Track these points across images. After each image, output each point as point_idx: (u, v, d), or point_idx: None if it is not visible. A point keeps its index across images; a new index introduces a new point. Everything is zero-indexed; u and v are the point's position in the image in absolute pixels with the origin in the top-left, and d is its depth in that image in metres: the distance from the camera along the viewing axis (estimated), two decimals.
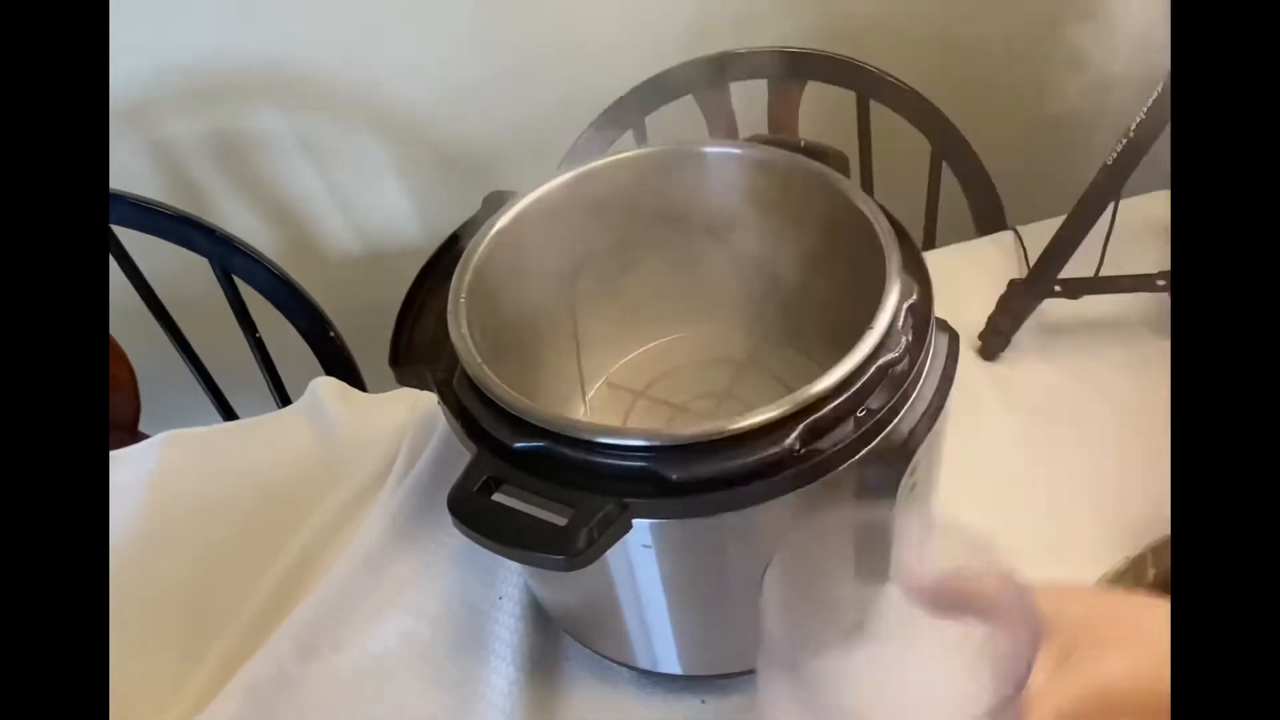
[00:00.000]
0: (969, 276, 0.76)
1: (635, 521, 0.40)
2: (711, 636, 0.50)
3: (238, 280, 0.88)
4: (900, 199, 0.98)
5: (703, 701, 0.54)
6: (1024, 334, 0.75)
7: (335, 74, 1.06)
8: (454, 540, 0.64)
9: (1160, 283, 0.72)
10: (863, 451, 0.41)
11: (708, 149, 0.56)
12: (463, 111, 1.09)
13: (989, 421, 0.69)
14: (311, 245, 1.19)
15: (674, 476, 0.39)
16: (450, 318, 0.45)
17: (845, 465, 0.41)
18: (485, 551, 0.61)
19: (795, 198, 0.54)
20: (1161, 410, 0.66)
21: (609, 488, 0.39)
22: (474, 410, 0.42)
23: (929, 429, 0.43)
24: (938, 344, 0.46)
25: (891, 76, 0.91)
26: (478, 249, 0.50)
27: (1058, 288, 0.71)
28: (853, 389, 0.41)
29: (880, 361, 0.42)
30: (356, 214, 1.18)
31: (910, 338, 0.44)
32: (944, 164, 0.92)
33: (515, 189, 0.54)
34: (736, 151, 0.55)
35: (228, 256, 0.87)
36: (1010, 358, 0.74)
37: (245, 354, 0.92)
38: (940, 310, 0.76)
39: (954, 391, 0.70)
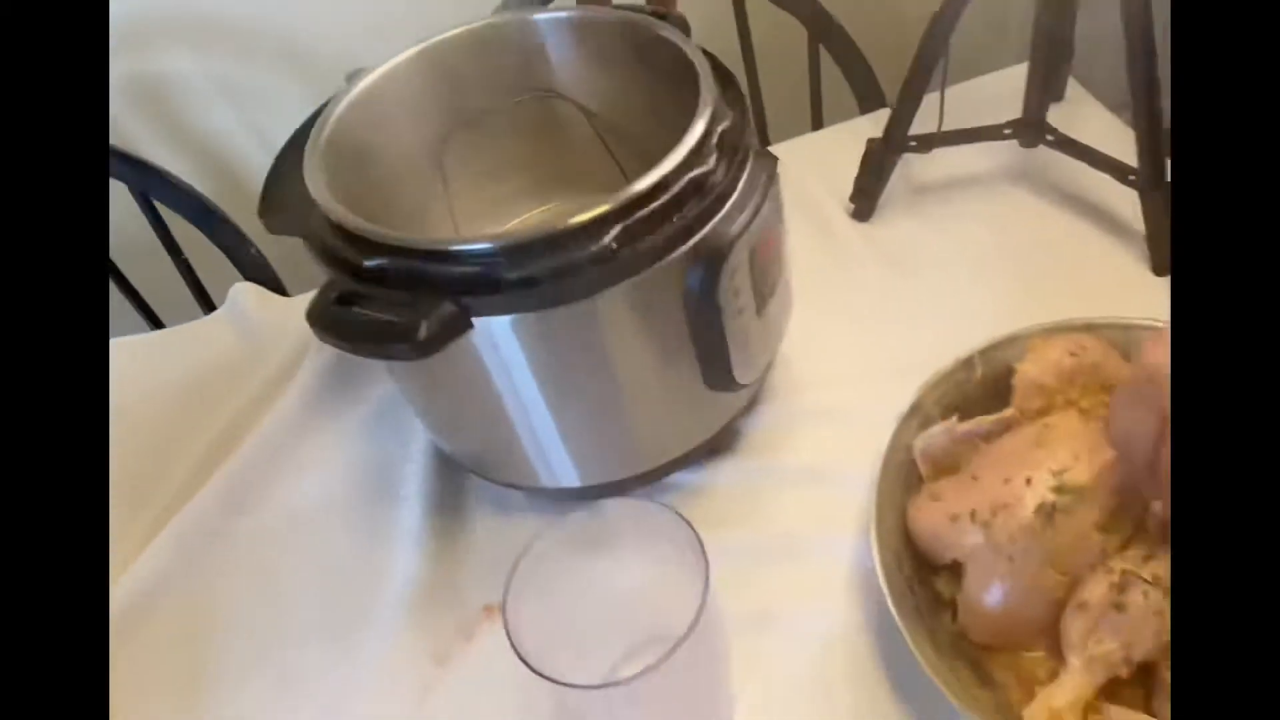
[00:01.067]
0: (848, 151, 0.81)
1: (480, 322, 0.45)
2: (594, 439, 0.55)
3: (159, 206, 0.92)
4: (786, 85, 1.03)
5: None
6: (897, 196, 0.80)
7: (248, 14, 1.10)
8: (366, 408, 0.70)
9: (1007, 131, 0.78)
10: (676, 252, 0.47)
11: (545, 16, 0.60)
12: (376, 47, 1.13)
13: (861, 275, 0.75)
14: (238, 185, 1.22)
15: (505, 276, 0.44)
16: (306, 166, 0.50)
17: (661, 263, 0.47)
18: (394, 417, 0.68)
19: (635, 56, 0.59)
20: (1011, 251, 0.73)
21: (448, 290, 0.44)
22: (330, 241, 0.47)
23: (740, 233, 0.48)
24: (755, 167, 0.52)
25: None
26: (335, 110, 0.55)
27: (912, 143, 0.77)
28: (665, 196, 0.46)
29: (692, 174, 0.48)
30: (273, 147, 1.21)
31: (722, 156, 0.49)
32: (821, 48, 0.96)
33: None
34: (577, 15, 0.60)
35: (147, 182, 0.91)
36: (881, 218, 0.80)
37: (174, 278, 0.97)
38: (817, 180, 0.83)
39: (816, 239, 0.75)
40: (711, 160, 0.49)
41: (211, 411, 0.72)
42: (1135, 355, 0.56)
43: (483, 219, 0.66)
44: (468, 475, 0.64)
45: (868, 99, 0.97)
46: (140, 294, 1.00)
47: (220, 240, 0.92)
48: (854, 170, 0.79)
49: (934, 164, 0.81)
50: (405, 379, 0.57)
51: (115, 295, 0.98)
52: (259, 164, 1.22)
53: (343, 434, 0.68)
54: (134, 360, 0.79)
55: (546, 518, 0.61)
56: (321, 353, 0.72)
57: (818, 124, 1.03)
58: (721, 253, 0.48)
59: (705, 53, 0.55)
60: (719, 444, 0.63)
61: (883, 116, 0.88)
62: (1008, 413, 0.55)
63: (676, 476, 0.62)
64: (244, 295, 0.81)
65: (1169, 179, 0.67)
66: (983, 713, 0.44)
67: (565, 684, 0.39)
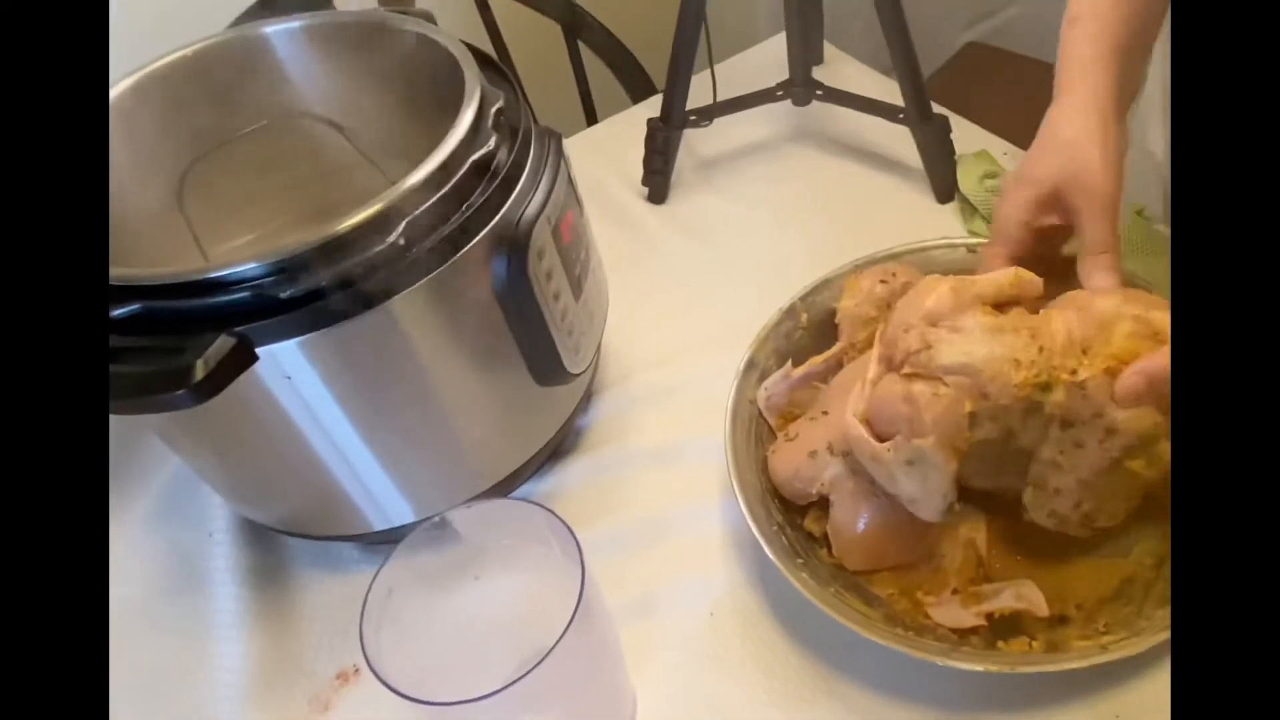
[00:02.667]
0: (629, 139, 0.80)
1: (265, 352, 0.40)
2: (423, 464, 0.50)
3: None
4: (552, 87, 1.02)
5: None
6: (685, 175, 0.80)
7: None
8: (147, 499, 0.61)
9: (779, 93, 0.79)
10: (473, 241, 0.43)
11: (273, 27, 0.55)
12: None
13: (668, 254, 0.74)
14: None
15: (283, 295, 0.39)
16: None
17: (459, 255, 0.43)
18: (186, 495, 0.59)
19: (384, 58, 0.54)
20: (805, 204, 0.75)
21: (220, 322, 0.38)
22: None
23: (538, 212, 0.45)
24: (539, 145, 0.49)
25: None
26: None
27: (692, 117, 0.77)
28: (449, 183, 0.43)
29: (473, 156, 0.44)
30: None
31: (503, 138, 0.46)
32: (580, 44, 0.96)
33: None
34: (309, 22, 0.54)
35: None
36: (677, 197, 0.79)
37: None
38: (606, 172, 0.82)
39: (617, 227, 0.74)
40: (491, 141, 0.45)
41: None
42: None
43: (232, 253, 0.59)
44: (284, 540, 0.57)
45: (637, 90, 0.97)
46: None
47: None
48: (640, 156, 0.78)
49: (716, 138, 0.81)
50: (190, 442, 0.49)
51: None
52: None
53: (126, 533, 0.60)
54: None
55: (381, 560, 0.55)
56: None
57: (592, 120, 1.02)
58: (523, 235, 0.45)
59: (460, 40, 0.52)
60: (562, 445, 0.60)
61: (657, 102, 0.89)
62: (837, 348, 0.55)
63: (524, 487, 0.58)
64: None
65: (934, 113, 0.71)
66: (877, 627, 0.43)
67: (450, 703, 0.34)
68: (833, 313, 0.58)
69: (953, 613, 0.45)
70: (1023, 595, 0.45)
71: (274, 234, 0.61)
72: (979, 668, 0.42)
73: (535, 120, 0.51)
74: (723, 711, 0.47)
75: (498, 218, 0.45)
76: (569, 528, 0.39)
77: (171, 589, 0.56)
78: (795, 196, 0.77)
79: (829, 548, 0.49)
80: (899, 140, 0.74)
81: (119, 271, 0.39)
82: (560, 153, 0.50)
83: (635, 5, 1.06)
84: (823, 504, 0.49)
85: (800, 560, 0.47)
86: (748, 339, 0.57)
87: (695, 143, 0.82)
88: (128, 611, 0.55)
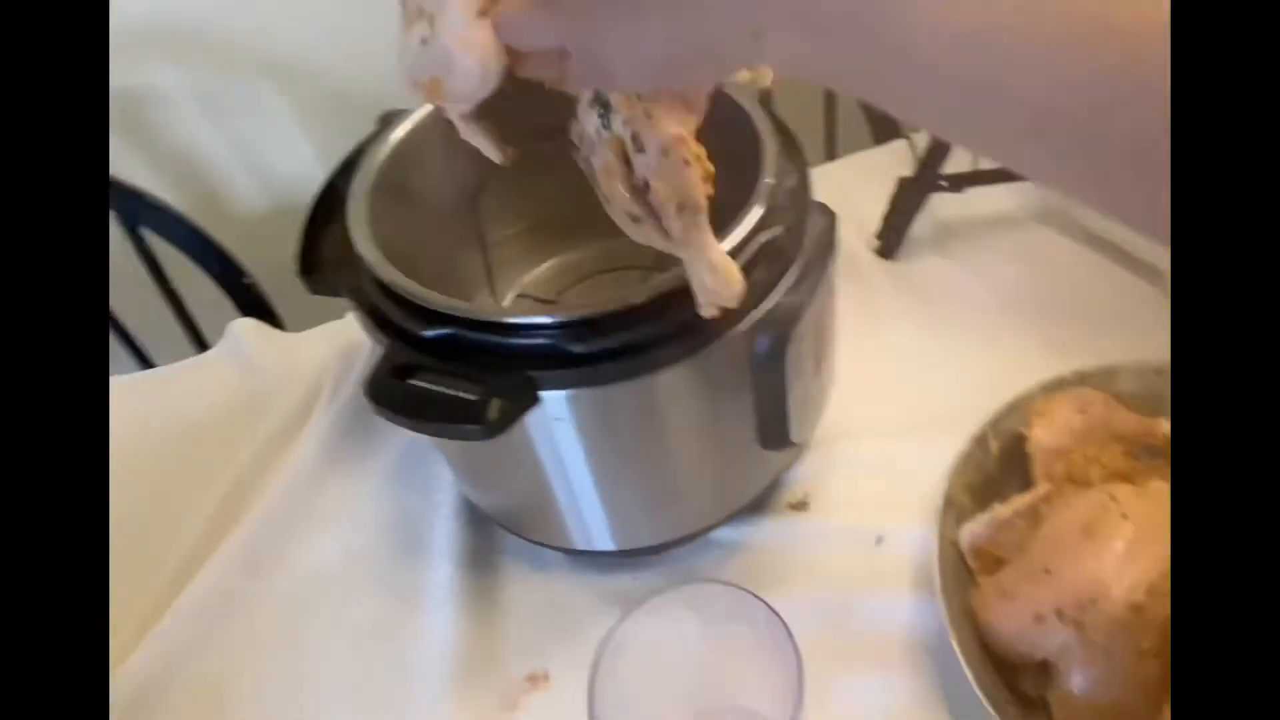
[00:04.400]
0: (866, 183, 0.80)
1: (545, 395, 0.43)
2: (637, 506, 0.53)
3: (147, 234, 0.88)
4: (801, 114, 1.02)
5: (633, 577, 0.58)
6: (922, 233, 0.79)
7: (223, 23, 1.05)
8: (386, 458, 0.67)
9: None
10: (750, 318, 0.45)
11: None
12: (358, 51, 1.08)
13: (889, 313, 0.74)
14: (219, 203, 1.17)
15: (576, 350, 0.42)
16: (352, 225, 0.47)
17: (734, 331, 0.45)
18: (419, 465, 0.65)
19: None
20: (1039, 289, 0.73)
21: (516, 364, 0.42)
22: (384, 308, 0.44)
23: (809, 298, 0.47)
24: (814, 224, 0.50)
25: None
26: (377, 159, 0.51)
27: (943, 182, 0.75)
28: (739, 262, 0.44)
29: (763, 238, 0.46)
30: (262, 166, 1.17)
31: (790, 216, 0.47)
32: None
33: None
34: None
35: (135, 210, 0.86)
36: (908, 255, 0.79)
37: (162, 311, 0.92)
38: (841, 214, 0.81)
39: (843, 277, 0.74)
40: (781, 226, 0.47)
41: (217, 460, 0.68)
42: (1136, 397, 0.58)
43: (516, 265, 0.63)
44: (499, 530, 0.61)
45: (882, 128, 0.95)
46: (127, 329, 0.95)
47: (212, 270, 0.88)
48: (874, 203, 0.78)
49: (958, 201, 0.80)
50: None
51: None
52: (243, 185, 1.17)
53: (364, 486, 0.65)
54: (127, 401, 0.74)
55: (586, 579, 0.59)
56: (335, 398, 0.69)
57: (831, 154, 1.02)
58: (792, 319, 0.46)
59: (761, 105, 0.53)
60: (759, 500, 0.61)
61: (898, 148, 0.88)
62: (1041, 490, 0.54)
63: (717, 533, 0.60)
64: (244, 331, 0.77)
65: None
66: None
67: None
68: (1022, 439, 0.57)
69: None
70: None
71: (545, 237, 0.64)
72: None
73: (811, 198, 0.51)
74: None
75: (771, 299, 0.46)
76: (794, 642, 0.40)
77: (394, 551, 0.61)
78: (1031, 280, 0.74)
79: (1049, 714, 0.48)
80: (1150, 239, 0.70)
81: (442, 299, 0.43)
82: (834, 239, 0.51)
83: None
84: (1040, 667, 0.48)
85: None
86: (960, 425, 0.57)
87: (936, 202, 0.81)
88: (354, 565, 0.61)
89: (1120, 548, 0.48)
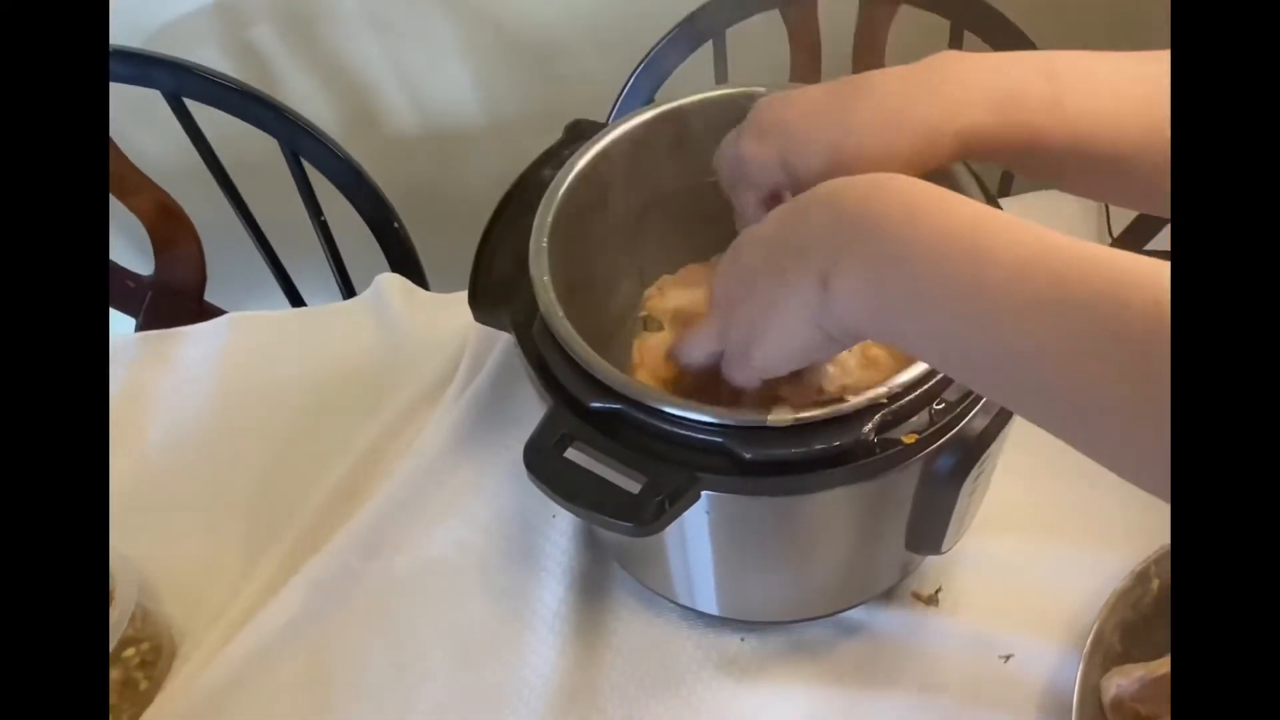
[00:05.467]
0: None
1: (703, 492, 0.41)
2: (753, 592, 0.52)
3: (305, 162, 0.88)
4: None
5: (742, 640, 0.56)
6: None
7: None
8: (512, 454, 0.65)
9: None
10: (935, 445, 0.41)
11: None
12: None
13: None
14: (373, 120, 1.17)
15: (747, 456, 0.39)
16: (531, 262, 0.45)
17: (917, 458, 0.41)
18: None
19: None
20: None
21: (681, 458, 0.39)
22: (551, 361, 0.43)
23: (1002, 426, 0.43)
24: None
25: (992, 7, 0.85)
26: (561, 186, 0.49)
27: None
28: (929, 383, 0.41)
29: None
30: (419, 92, 1.16)
31: None
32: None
33: (580, 81, 0.52)
34: None
35: (295, 137, 0.86)
36: None
37: (309, 234, 0.93)
38: None
39: None
40: None
41: (350, 415, 0.69)
42: None
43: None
44: (612, 561, 0.60)
45: None
46: (279, 257, 0.97)
47: (364, 211, 0.88)
48: None
49: None
50: None
51: (246, 241, 0.95)
52: (399, 106, 1.16)
53: (487, 479, 0.64)
54: (269, 337, 0.76)
55: (695, 633, 0.57)
56: (472, 379, 0.68)
57: (1004, 188, 0.94)
58: (983, 444, 0.42)
59: (964, 164, 0.48)
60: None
61: None
62: None
63: (837, 616, 0.57)
64: (389, 287, 0.76)
65: None
66: None
67: None
68: None
69: None
70: None
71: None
72: None
73: None
74: None
75: (962, 424, 0.42)
76: None
77: (509, 551, 0.61)
78: None
79: None
80: None
81: (613, 371, 0.41)
82: None
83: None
84: None
85: None
86: (1119, 539, 0.53)
87: None
88: (468, 559, 0.61)
89: None
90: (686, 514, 0.44)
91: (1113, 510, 0.56)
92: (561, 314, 0.43)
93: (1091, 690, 0.50)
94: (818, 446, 0.39)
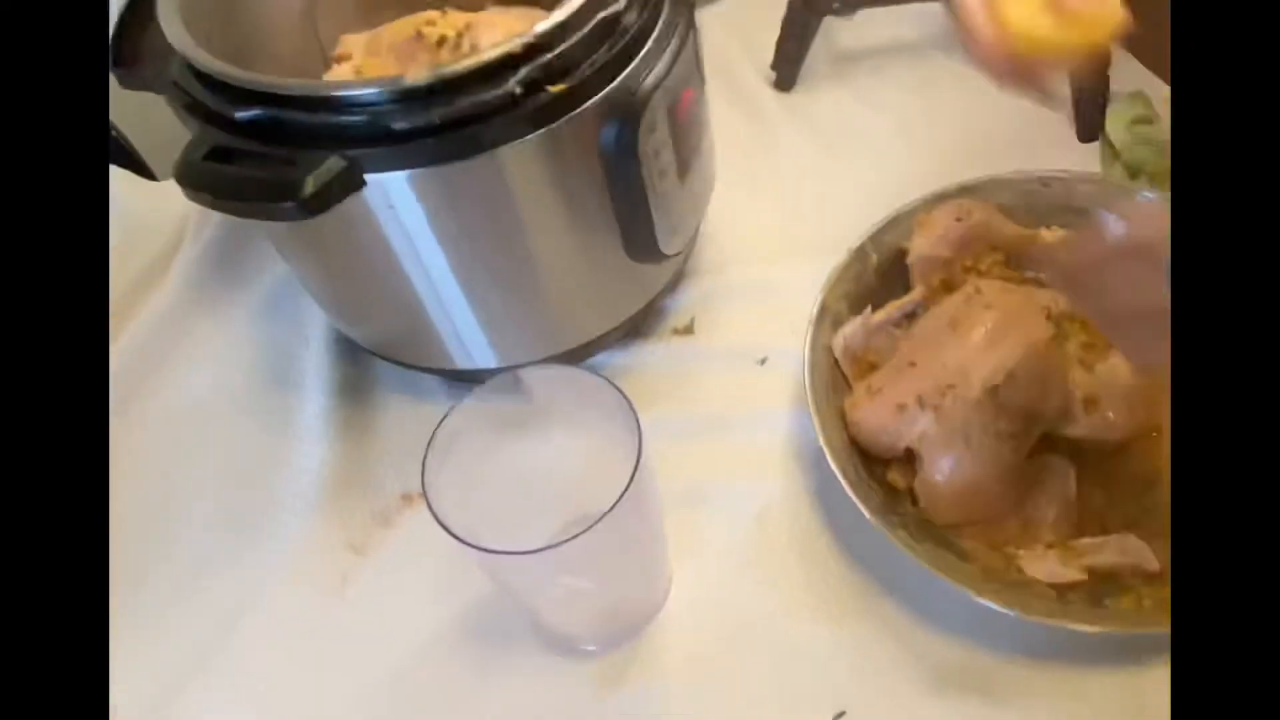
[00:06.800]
0: (768, 19, 0.77)
1: (374, 180, 0.41)
2: (509, 314, 0.52)
3: None
4: None
5: (514, 402, 0.57)
6: (820, 65, 0.77)
7: None
8: (255, 296, 0.65)
9: None
10: (587, 103, 0.43)
11: None
12: None
13: (785, 146, 0.72)
14: None
15: (397, 126, 0.39)
16: (160, 11, 0.44)
17: (571, 115, 0.42)
18: (288, 302, 0.63)
19: None
20: (939, 118, 0.71)
21: (333, 142, 0.39)
22: (195, 92, 0.42)
23: (655, 87, 0.44)
24: (671, 12, 0.47)
25: None
26: None
27: (836, 5, 0.73)
28: (573, 38, 0.42)
29: (602, 14, 0.43)
30: None
31: None
32: None
33: None
34: None
35: None
36: (805, 87, 0.76)
37: None
38: (735, 47, 0.79)
39: (738, 109, 0.72)
40: (623, 1, 0.44)
41: None
42: (1018, 209, 0.57)
43: None
44: (374, 360, 0.60)
45: None
46: None
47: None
48: (770, 34, 0.75)
49: (858, 30, 0.77)
50: (297, 253, 0.52)
51: None
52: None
53: (232, 322, 0.63)
54: None
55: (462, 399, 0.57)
56: (200, 237, 0.66)
57: None
58: (638, 105, 0.44)
59: None
60: (643, 324, 0.60)
61: None
62: (915, 294, 0.54)
63: (600, 357, 0.59)
64: (110, 182, 0.73)
65: None
66: (977, 583, 0.43)
67: (497, 551, 0.36)
68: (903, 253, 0.56)
69: (1049, 567, 0.45)
70: (1127, 549, 0.45)
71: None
72: (1095, 629, 0.41)
73: None
74: (755, 612, 0.48)
75: (616, 82, 0.44)
76: (631, 404, 0.40)
77: (265, 384, 0.60)
78: (929, 109, 0.73)
79: (915, 502, 0.48)
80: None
81: (248, 75, 0.40)
82: (691, 24, 0.48)
83: None
84: (907, 457, 0.48)
85: (895, 518, 0.46)
86: (846, 247, 0.56)
87: (835, 32, 0.78)
88: (225, 398, 0.60)
89: (981, 336, 0.48)
90: (400, 226, 0.44)
91: (841, 224, 0.59)
92: (194, 41, 0.42)
93: (824, 352, 0.53)
94: (462, 103, 0.39)
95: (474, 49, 0.43)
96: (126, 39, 0.46)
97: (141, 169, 0.82)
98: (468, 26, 0.51)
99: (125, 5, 0.47)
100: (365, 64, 0.49)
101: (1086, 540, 0.46)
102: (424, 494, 0.39)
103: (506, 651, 0.48)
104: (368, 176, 0.41)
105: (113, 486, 0.56)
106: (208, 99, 0.41)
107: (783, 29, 0.74)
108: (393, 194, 0.42)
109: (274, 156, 0.39)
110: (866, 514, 0.45)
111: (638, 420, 0.39)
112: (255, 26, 0.51)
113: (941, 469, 0.47)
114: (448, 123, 0.40)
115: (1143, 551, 0.45)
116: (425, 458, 0.40)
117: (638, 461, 0.38)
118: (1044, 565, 0.45)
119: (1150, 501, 0.47)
